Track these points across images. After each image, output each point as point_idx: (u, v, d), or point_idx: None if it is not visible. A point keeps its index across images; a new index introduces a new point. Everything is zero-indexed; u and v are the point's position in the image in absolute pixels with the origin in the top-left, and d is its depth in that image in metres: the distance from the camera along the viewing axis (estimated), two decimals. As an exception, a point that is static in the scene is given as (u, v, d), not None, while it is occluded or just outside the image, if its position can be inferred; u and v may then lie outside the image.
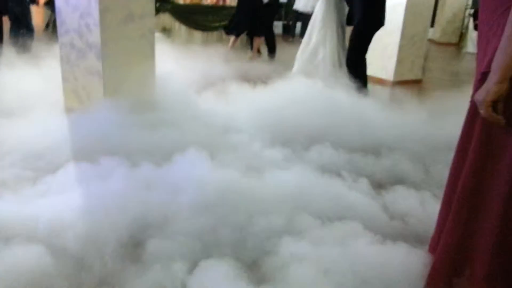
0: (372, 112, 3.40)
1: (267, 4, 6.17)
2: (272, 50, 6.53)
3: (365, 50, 4.08)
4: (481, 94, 1.15)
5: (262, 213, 1.88)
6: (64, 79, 3.46)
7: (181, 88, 3.40)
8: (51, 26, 5.89)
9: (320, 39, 4.52)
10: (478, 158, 1.22)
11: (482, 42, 1.26)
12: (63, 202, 1.91)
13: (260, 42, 6.53)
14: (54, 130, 2.85)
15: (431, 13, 5.70)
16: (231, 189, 2.01)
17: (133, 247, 1.71)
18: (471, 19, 9.51)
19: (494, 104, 1.12)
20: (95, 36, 3.12)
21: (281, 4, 6.65)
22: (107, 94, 3.20)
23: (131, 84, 3.30)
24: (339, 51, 4.55)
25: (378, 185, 2.40)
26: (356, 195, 2.16)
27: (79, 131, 2.85)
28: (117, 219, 1.79)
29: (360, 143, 2.93)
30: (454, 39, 10.70)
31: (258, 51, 6.63)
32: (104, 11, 3.06)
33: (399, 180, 2.49)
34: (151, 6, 3.37)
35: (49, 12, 6.08)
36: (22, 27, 4.65)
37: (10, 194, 2.03)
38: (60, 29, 3.38)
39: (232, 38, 6.51)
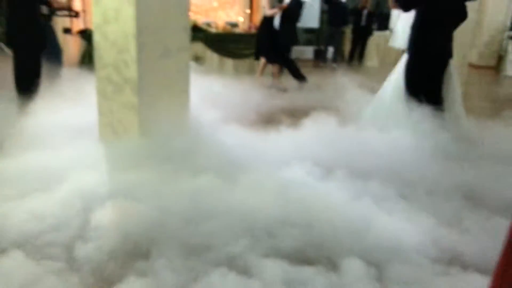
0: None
1: (280, 30, 6.11)
2: (296, 76, 6.38)
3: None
4: None
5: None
6: (100, 113, 3.46)
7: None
8: (87, 58, 6.02)
9: None
10: None
11: None
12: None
13: (275, 68, 6.44)
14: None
15: (469, 40, 5.51)
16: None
17: None
18: (511, 42, 9.21)
19: None
20: (132, 72, 3.12)
21: (295, 31, 6.51)
22: (142, 129, 3.18)
23: (166, 118, 3.27)
24: None
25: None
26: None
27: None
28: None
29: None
30: (492, 62, 10.37)
31: (277, 78, 6.50)
32: (141, 46, 3.06)
33: None
34: (186, 40, 3.37)
35: (84, 43, 6.22)
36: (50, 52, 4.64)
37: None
38: (97, 63, 3.40)
39: (260, 64, 6.51)
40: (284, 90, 6.21)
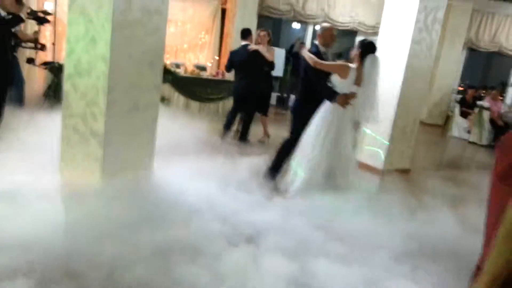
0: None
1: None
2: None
3: None
4: None
5: None
6: (63, 159, 3.48)
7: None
8: (52, 91, 5.98)
9: None
10: None
11: (486, 225, 1.24)
12: None
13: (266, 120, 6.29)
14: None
15: (422, 107, 5.98)
16: None
17: None
18: (458, 106, 9.96)
19: None
20: (99, 124, 3.19)
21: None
22: (105, 178, 3.23)
23: (130, 168, 3.35)
24: None
25: None
26: None
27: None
28: None
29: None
30: (440, 121, 11.13)
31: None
32: (111, 102, 3.16)
33: None
34: (157, 97, 3.50)
35: (51, 76, 6.19)
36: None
37: None
38: (64, 111, 3.45)
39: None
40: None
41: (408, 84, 5.44)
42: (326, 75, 3.80)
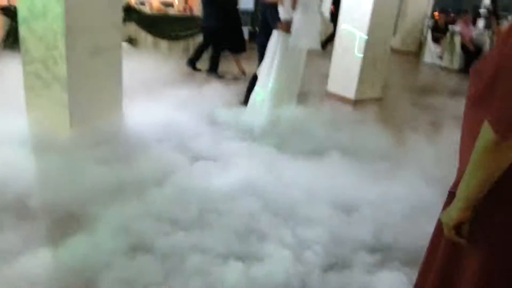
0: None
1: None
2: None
3: None
4: (444, 217, 1.18)
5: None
6: (29, 107, 3.43)
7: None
8: (11, 37, 5.70)
9: None
10: (441, 275, 1.24)
11: (461, 149, 1.24)
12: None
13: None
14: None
15: (391, 34, 5.96)
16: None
17: None
18: (429, 30, 9.92)
19: (457, 228, 1.15)
20: (61, 70, 3.12)
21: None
22: (73, 126, 3.22)
23: (98, 116, 3.33)
24: None
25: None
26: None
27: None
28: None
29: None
30: (413, 48, 11.13)
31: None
32: (71, 45, 3.07)
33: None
34: (118, 38, 3.40)
35: (8, 21, 5.87)
36: None
37: None
38: (24, 57, 3.35)
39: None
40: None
41: (377, 13, 5.38)
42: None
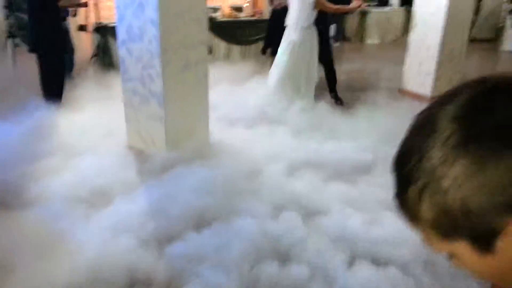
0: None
1: None
2: None
3: None
4: None
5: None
6: (127, 121, 3.78)
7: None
8: (101, 53, 6.21)
9: None
10: None
11: None
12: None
13: None
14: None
15: (469, 25, 5.75)
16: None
17: None
18: (508, 16, 9.34)
19: None
20: (157, 85, 3.42)
21: None
22: (169, 139, 3.52)
23: (189, 128, 3.61)
24: None
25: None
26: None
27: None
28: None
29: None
30: (490, 35, 10.52)
31: None
32: (165, 63, 3.35)
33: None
34: (204, 53, 3.65)
35: (98, 37, 6.38)
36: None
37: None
38: (123, 75, 3.69)
39: None
40: None
41: (454, 2, 5.21)
42: None
